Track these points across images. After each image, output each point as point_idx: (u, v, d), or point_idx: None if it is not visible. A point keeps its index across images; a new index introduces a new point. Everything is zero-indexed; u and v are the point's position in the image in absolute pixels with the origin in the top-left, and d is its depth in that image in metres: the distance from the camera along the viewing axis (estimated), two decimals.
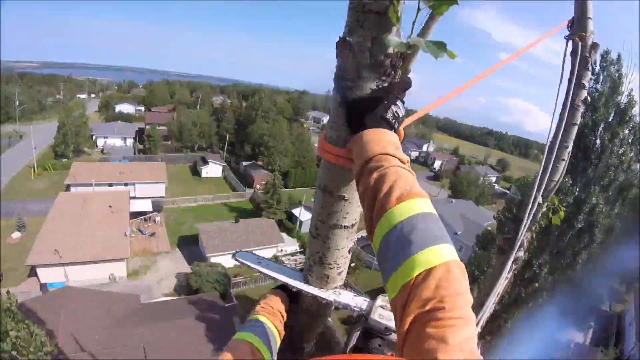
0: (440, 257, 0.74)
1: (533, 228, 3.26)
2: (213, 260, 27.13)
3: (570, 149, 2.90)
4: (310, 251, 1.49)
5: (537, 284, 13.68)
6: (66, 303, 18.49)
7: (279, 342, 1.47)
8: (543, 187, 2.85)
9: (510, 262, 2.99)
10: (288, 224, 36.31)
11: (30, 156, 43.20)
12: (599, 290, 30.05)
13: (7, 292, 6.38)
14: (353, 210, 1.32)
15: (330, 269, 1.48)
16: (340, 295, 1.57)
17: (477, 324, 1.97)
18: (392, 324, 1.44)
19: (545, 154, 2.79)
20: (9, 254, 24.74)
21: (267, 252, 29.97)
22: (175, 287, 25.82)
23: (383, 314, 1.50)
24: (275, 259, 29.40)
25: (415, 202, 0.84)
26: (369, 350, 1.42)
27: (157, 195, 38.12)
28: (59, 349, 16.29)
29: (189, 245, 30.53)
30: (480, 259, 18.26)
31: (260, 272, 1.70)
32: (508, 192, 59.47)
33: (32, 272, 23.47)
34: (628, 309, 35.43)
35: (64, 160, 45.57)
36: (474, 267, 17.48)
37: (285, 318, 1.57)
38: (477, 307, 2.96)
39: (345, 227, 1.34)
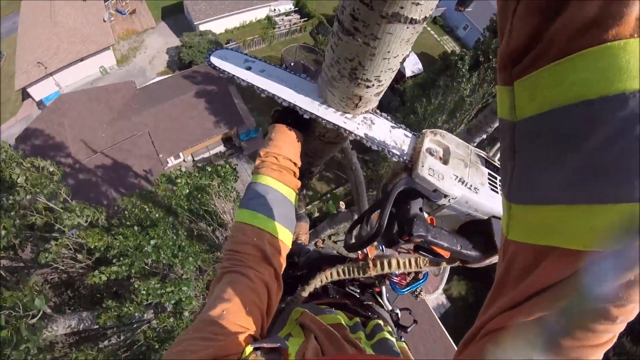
0: None
1: None
2: (202, 28, 24.98)
3: None
4: (337, 54, 1.00)
5: None
6: (66, 111, 18.47)
7: (295, 205, 1.15)
8: None
9: None
10: None
11: None
12: None
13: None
14: None
15: (368, 87, 1.05)
16: (373, 126, 1.18)
17: None
18: (444, 185, 1.01)
19: None
20: None
21: (260, 13, 27.00)
22: (167, 63, 24.80)
23: (434, 168, 1.03)
24: (268, 20, 26.73)
25: None
26: (403, 219, 0.95)
27: None
28: (73, 158, 17.06)
29: (175, 15, 27.67)
30: (488, 46, 15.06)
31: (251, 85, 1.25)
32: None
33: (26, 95, 22.67)
34: None
35: None
36: (480, 51, 15.09)
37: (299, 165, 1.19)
38: None
39: (413, 20, 0.83)
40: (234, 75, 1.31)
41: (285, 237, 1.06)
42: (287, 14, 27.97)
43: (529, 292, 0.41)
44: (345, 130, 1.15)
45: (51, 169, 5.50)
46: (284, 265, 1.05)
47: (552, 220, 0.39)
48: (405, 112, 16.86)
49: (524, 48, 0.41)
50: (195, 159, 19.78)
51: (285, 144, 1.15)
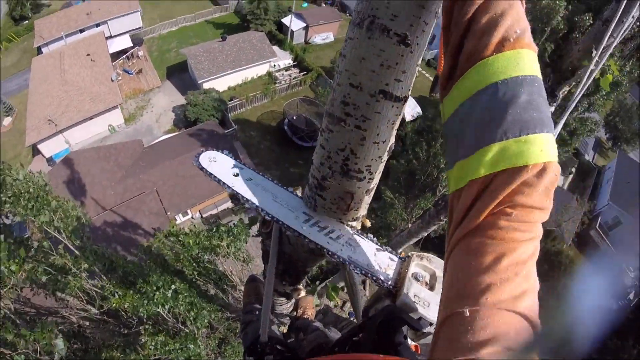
0: (543, 153, 0.58)
1: None
2: (206, 86, 25.98)
3: None
4: (328, 149, 1.03)
5: None
6: (75, 168, 18.97)
7: None
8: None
9: None
10: (279, 35, 32.99)
11: None
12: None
13: (40, 172, 6.16)
14: (411, 67, 0.90)
15: (359, 180, 1.05)
16: (358, 248, 1.12)
17: None
18: (429, 313, 1.01)
19: None
20: (8, 142, 24.26)
21: (261, 69, 28.37)
22: (173, 121, 25.66)
23: (420, 295, 1.02)
24: (269, 75, 27.84)
25: (525, 54, 0.61)
26: (388, 348, 0.91)
27: (134, 28, 34.38)
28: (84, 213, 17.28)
29: (180, 74, 28.95)
30: None
31: (236, 193, 1.21)
32: None
33: (36, 151, 23.32)
34: (609, 165, 34.16)
35: (25, 22, 40.06)
36: None
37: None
38: None
39: (397, 98, 0.92)
40: (220, 181, 1.29)
41: None
42: (286, 68, 29.30)
43: (462, 214, 0.64)
44: (328, 251, 1.16)
45: (79, 212, 5.78)
46: None
47: (464, 169, 0.64)
48: (408, 157, 17.30)
49: (448, 74, 0.70)
50: (204, 215, 20.06)
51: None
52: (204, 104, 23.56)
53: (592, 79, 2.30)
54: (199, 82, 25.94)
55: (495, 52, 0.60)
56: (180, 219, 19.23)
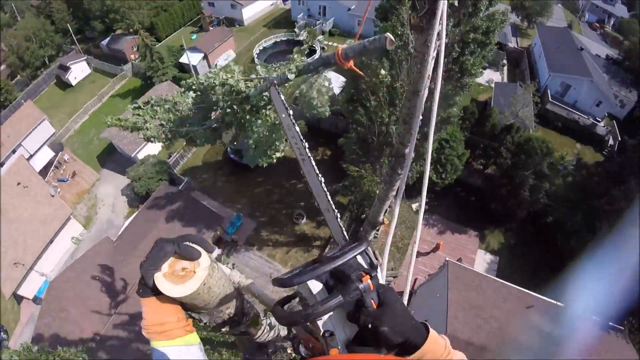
0: None
1: None
2: (140, 155, 25.92)
3: None
4: None
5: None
6: (62, 295, 18.68)
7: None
8: None
9: (433, 40, 2.28)
10: (183, 76, 32.75)
11: None
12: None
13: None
14: None
15: None
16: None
17: None
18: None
19: None
20: None
21: None
22: (128, 203, 25.63)
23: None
24: None
25: None
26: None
27: (49, 136, 33.48)
28: (92, 333, 17.19)
29: (111, 157, 28.80)
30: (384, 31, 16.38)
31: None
32: None
33: (19, 298, 22.91)
34: (534, 42, 35.95)
35: None
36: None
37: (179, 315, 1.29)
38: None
39: None
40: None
41: None
42: None
43: None
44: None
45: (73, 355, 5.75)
46: None
47: None
48: (353, 128, 17.75)
49: None
50: None
51: (153, 313, 1.20)
52: (147, 174, 23.52)
53: None
54: (132, 155, 25.78)
55: None
56: None
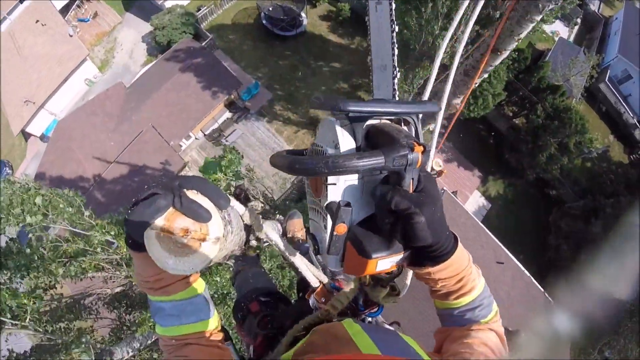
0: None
1: None
2: (168, 4, 24.02)
3: None
4: None
5: None
6: (69, 134, 18.49)
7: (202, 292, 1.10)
8: None
9: None
10: None
11: None
12: None
13: (25, 175, 6.38)
14: None
15: None
16: None
17: None
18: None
19: None
20: None
21: None
22: (147, 51, 24.28)
23: None
24: None
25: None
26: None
27: None
28: (92, 174, 17.36)
29: (137, 2, 26.37)
30: None
31: None
32: None
33: (27, 135, 22.68)
34: (616, 16, 30.91)
35: None
36: None
37: None
38: None
39: None
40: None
41: (208, 324, 1.10)
42: None
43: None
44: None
45: (71, 194, 5.65)
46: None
47: None
48: (399, 28, 16.52)
49: None
50: (206, 132, 20.04)
51: (147, 266, 0.94)
52: (172, 24, 21.93)
53: None
54: (159, 2, 24.08)
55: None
56: (185, 143, 19.21)
